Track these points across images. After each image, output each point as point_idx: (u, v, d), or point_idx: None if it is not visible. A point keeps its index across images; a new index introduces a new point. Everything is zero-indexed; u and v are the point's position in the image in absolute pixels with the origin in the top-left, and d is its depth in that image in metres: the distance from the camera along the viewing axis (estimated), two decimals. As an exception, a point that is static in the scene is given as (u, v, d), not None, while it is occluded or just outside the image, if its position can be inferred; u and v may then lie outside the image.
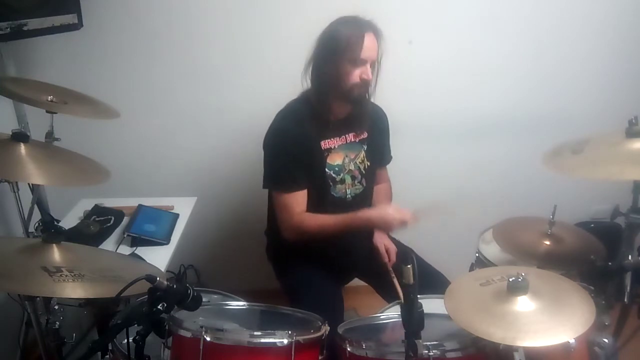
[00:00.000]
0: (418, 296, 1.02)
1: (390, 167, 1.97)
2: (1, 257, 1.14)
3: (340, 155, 1.74)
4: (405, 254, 1.02)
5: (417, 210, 1.59)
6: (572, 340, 1.04)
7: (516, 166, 2.48)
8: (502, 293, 1.11)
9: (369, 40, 1.57)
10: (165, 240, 1.85)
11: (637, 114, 1.31)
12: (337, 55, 1.58)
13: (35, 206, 1.76)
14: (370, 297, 1.89)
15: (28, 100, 1.60)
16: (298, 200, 1.67)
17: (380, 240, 1.83)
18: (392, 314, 1.45)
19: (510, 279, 1.10)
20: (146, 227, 1.87)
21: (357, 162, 1.78)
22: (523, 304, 1.08)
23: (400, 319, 1.04)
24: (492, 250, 1.72)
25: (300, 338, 1.23)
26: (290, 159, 1.66)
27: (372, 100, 1.76)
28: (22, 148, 1.29)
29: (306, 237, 1.68)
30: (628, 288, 1.35)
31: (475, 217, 1.84)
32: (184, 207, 2.10)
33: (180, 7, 2.17)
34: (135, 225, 1.86)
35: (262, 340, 1.21)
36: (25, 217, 1.68)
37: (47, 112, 1.62)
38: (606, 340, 1.22)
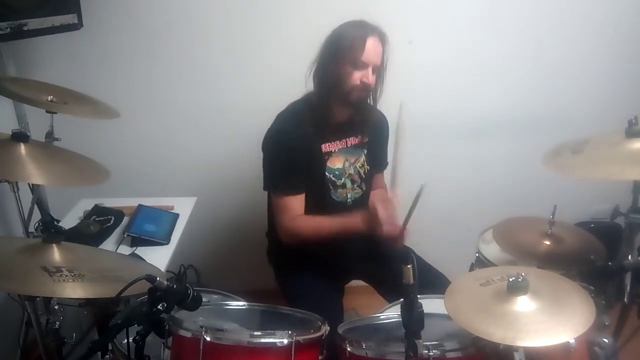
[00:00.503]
0: (418, 296, 1.02)
1: (389, 168, 1.97)
2: (1, 257, 1.14)
3: (341, 159, 1.73)
4: (405, 254, 1.02)
5: (403, 222, 1.56)
6: (572, 340, 1.04)
7: (516, 166, 2.48)
8: (502, 293, 1.11)
9: (372, 44, 1.56)
10: (165, 240, 1.85)
11: (637, 114, 1.31)
12: (339, 56, 1.58)
13: (35, 206, 1.76)
14: (370, 297, 1.89)
15: (28, 100, 1.60)
16: (295, 203, 1.67)
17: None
18: (392, 314, 1.44)
19: (510, 279, 1.10)
20: (146, 227, 1.87)
21: (357, 166, 1.77)
22: (523, 304, 1.08)
23: (400, 319, 1.04)
24: (492, 250, 1.72)
25: (300, 338, 1.22)
26: (289, 161, 1.64)
27: (376, 105, 1.73)
28: (22, 148, 1.29)
29: (301, 240, 1.67)
30: (628, 288, 1.34)
31: (475, 217, 1.84)
32: (184, 207, 2.10)
33: (180, 7, 2.17)
34: (135, 225, 1.86)
35: (262, 340, 1.21)
36: (25, 217, 1.67)
37: (47, 112, 1.62)
38: (606, 340, 1.22)
